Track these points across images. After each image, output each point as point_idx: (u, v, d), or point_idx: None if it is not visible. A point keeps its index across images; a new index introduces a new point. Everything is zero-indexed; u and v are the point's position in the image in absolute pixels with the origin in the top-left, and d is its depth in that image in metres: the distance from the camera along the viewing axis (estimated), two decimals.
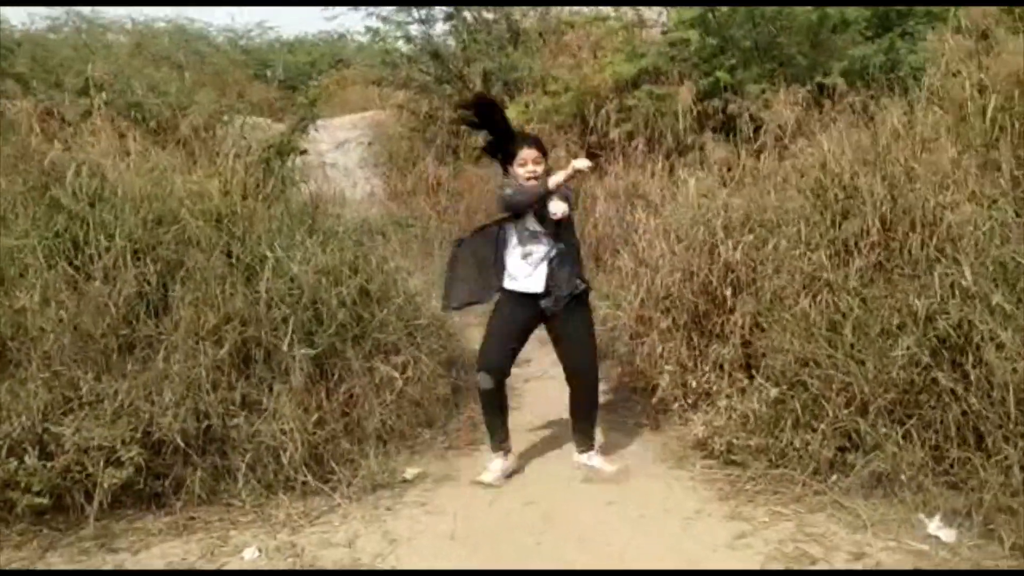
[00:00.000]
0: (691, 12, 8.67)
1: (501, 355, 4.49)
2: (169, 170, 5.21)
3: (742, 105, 7.87)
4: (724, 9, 8.42)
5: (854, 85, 7.40)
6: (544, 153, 4.52)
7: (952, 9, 6.38)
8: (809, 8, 8.20)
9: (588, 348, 4.55)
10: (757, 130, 7.86)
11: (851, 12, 8.18)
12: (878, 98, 6.85)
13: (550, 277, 4.39)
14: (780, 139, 7.03)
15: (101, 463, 3.86)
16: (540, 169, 4.42)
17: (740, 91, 8.16)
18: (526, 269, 4.43)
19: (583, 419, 4.64)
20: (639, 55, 9.12)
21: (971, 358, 3.69)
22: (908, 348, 3.78)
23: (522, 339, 4.56)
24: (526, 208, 4.37)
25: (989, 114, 4.69)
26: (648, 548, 3.71)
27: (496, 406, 4.54)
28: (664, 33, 9.44)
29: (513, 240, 4.47)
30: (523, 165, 4.40)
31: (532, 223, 4.42)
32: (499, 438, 4.56)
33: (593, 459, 4.62)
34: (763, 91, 7.82)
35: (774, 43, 8.45)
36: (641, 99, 8.75)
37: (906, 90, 6.61)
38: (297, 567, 3.68)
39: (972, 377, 3.66)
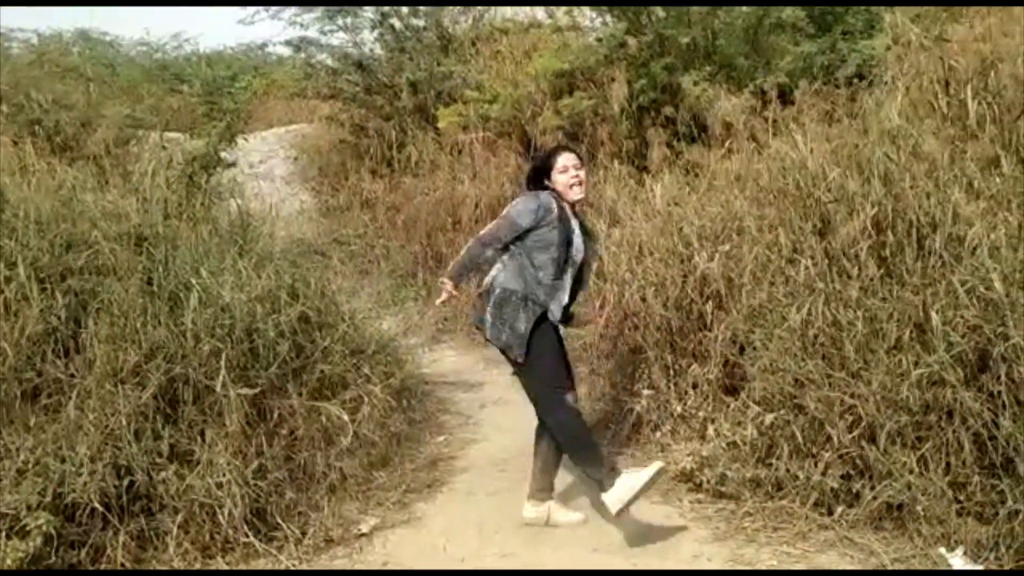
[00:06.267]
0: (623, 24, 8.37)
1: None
2: (79, 188, 4.63)
3: (684, 103, 7.61)
4: (658, 11, 8.12)
5: (798, 87, 7.18)
6: (582, 160, 4.14)
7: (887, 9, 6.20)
8: (747, 9, 7.96)
9: None
10: (702, 131, 7.61)
11: (787, 12, 7.89)
12: (833, 96, 6.66)
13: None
14: (725, 140, 6.76)
15: (3, 534, 3.27)
16: (584, 175, 4.04)
17: (679, 93, 7.86)
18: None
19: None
20: (569, 52, 8.80)
21: (1000, 375, 3.31)
22: (929, 366, 3.39)
23: None
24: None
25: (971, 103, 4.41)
26: None
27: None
28: (599, 40, 9.06)
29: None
30: (564, 171, 3.98)
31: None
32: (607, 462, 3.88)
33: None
34: (704, 91, 7.53)
35: (714, 46, 8.16)
36: (575, 104, 8.43)
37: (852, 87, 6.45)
38: None
39: (1004, 396, 3.28)
